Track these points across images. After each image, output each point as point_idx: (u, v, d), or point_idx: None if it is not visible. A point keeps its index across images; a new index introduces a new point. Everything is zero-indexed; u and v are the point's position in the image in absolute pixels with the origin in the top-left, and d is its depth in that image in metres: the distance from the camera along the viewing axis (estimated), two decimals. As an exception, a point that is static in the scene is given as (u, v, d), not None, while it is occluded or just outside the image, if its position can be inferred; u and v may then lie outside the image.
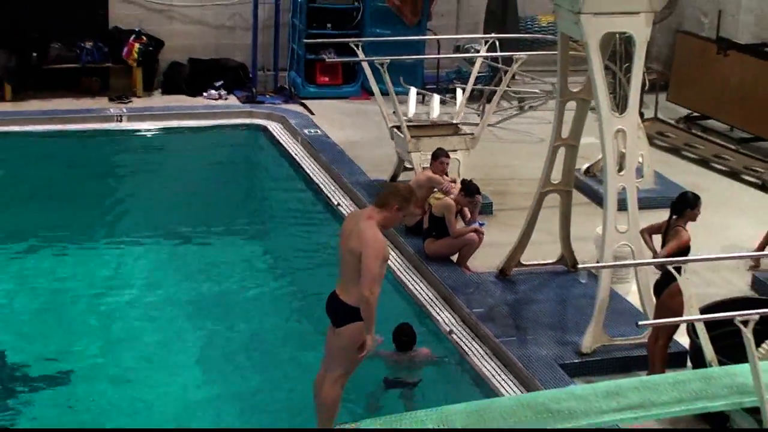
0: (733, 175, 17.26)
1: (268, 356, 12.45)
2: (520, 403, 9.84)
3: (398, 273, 13.70)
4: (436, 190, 14.12)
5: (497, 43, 17.10)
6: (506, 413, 9.46)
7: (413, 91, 17.29)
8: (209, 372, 12.08)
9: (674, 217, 11.42)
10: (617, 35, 13.19)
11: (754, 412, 9.53)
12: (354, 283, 8.69)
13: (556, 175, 13.43)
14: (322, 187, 16.53)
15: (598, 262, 12.27)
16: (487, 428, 9.45)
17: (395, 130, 15.90)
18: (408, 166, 15.67)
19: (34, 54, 19.10)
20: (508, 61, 16.76)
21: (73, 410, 11.33)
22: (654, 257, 11.46)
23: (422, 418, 9.27)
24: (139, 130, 18.66)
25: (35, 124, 18.36)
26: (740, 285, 13.53)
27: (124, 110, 18.92)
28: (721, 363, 9.88)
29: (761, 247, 13.07)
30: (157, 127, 18.78)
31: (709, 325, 9.81)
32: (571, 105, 13.21)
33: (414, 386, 11.71)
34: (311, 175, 16.95)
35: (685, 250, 11.23)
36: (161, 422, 11.07)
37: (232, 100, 19.71)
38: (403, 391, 11.65)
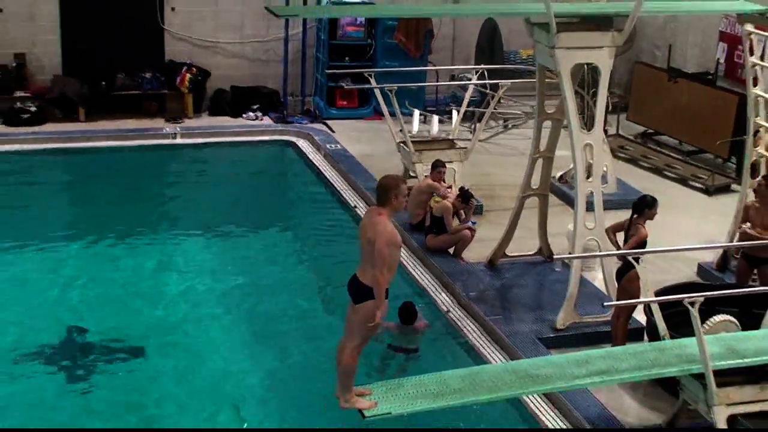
0: (682, 181, 17.23)
1: (296, 330, 12.44)
2: (506, 369, 9.86)
3: (404, 262, 13.69)
4: (435, 194, 14.20)
5: (486, 73, 17.10)
6: (494, 377, 9.48)
7: (416, 112, 17.32)
8: (248, 343, 12.12)
9: (635, 216, 11.40)
10: (585, 66, 13.17)
11: (700, 377, 9.52)
12: (371, 267, 8.72)
13: (535, 182, 13.45)
14: (341, 191, 16.52)
15: (570, 254, 12.27)
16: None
17: (402, 144, 15.91)
18: (412, 174, 15.66)
19: (103, 83, 19.12)
20: (495, 87, 16.76)
21: (132, 375, 11.40)
22: (618, 250, 11.45)
23: (425, 381, 9.29)
24: (189, 146, 18.64)
25: (104, 141, 18.36)
26: (688, 272, 13.52)
27: (178, 129, 18.91)
28: (672, 337, 9.86)
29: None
30: (205, 143, 18.77)
31: (662, 305, 9.80)
32: (547, 124, 13.21)
33: (414, 352, 11.85)
34: (332, 182, 16.94)
35: (643, 243, 11.23)
36: (203, 387, 11.12)
37: (267, 120, 19.70)
38: (406, 356, 11.76)
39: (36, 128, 18.50)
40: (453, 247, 13.73)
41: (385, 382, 9.29)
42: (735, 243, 13.03)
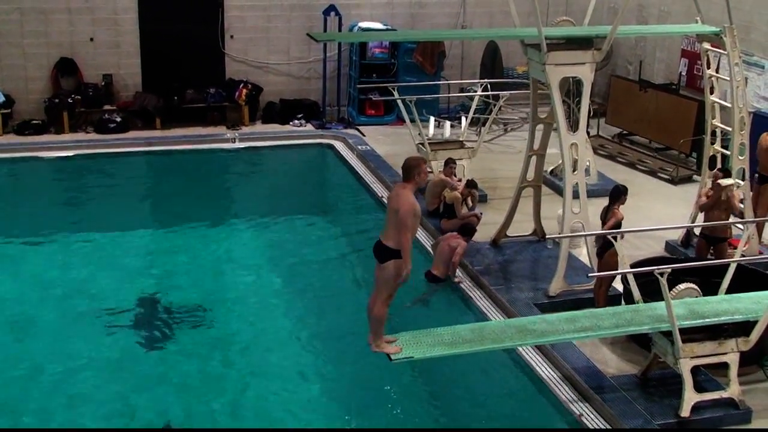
0: (652, 173, 17.09)
1: (333, 297, 12.50)
2: (508, 324, 9.86)
3: (423, 242, 13.66)
4: (447, 186, 14.18)
5: (489, 86, 17.02)
6: (498, 330, 9.50)
7: (432, 119, 17.25)
8: (295, 310, 12.14)
9: (611, 202, 11.36)
10: (571, 79, 13.08)
11: (668, 335, 9.47)
12: (393, 231, 8.68)
13: (530, 175, 13.37)
14: (370, 185, 16.47)
15: (559, 234, 12.20)
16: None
17: (420, 145, 15.86)
18: (428, 170, 15.59)
19: (176, 97, 19.13)
20: (496, 97, 16.66)
21: (201, 333, 11.49)
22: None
23: (440, 332, 9.28)
24: (246, 148, 18.61)
25: (177, 145, 18.37)
26: (658, 249, 13.43)
27: (237, 135, 18.89)
28: (645, 302, 9.81)
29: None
30: (258, 146, 18.73)
31: (637, 276, 9.74)
32: (540, 127, 13.14)
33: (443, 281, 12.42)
34: (363, 177, 16.89)
35: (619, 224, 11.17)
36: (256, 347, 11.19)
37: (309, 127, 19.65)
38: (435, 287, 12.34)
39: (121, 135, 18.52)
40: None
41: (408, 333, 9.26)
42: (696, 224, 12.98)
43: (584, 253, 12.60)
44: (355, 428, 9.68)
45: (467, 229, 12.92)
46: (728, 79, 12.74)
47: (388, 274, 8.77)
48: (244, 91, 19.37)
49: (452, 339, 9.14)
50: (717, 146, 13.27)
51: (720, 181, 11.95)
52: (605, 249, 11.00)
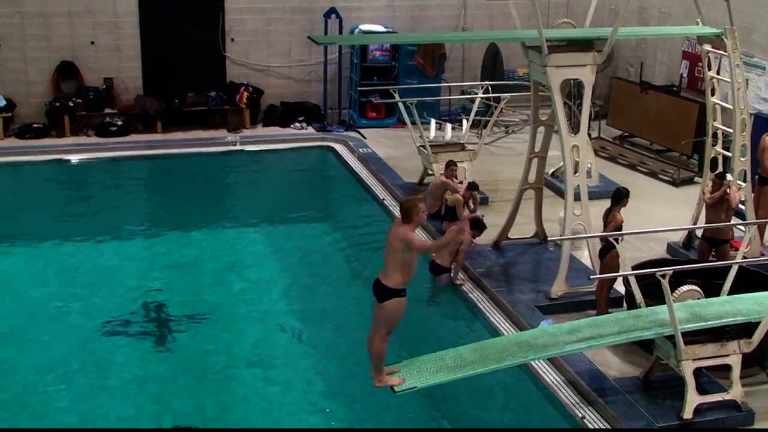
0: (653, 175, 17.07)
1: (335, 299, 12.51)
2: (510, 341, 9.81)
3: (425, 245, 13.66)
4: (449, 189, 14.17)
5: (490, 88, 17.01)
6: (500, 349, 9.41)
7: (433, 121, 17.23)
8: (296, 313, 12.14)
9: (612, 204, 11.35)
10: (572, 81, 13.07)
11: (670, 337, 9.45)
12: (393, 270, 8.60)
13: (532, 177, 13.36)
14: (371, 187, 16.45)
15: (561, 236, 12.18)
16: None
17: (421, 148, 15.86)
18: (430, 172, 15.61)
19: (177, 101, 19.11)
20: (497, 99, 16.68)
21: (202, 336, 11.49)
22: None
23: (443, 356, 9.24)
24: (247, 151, 18.62)
25: (178, 149, 18.36)
26: (659, 250, 13.40)
27: (238, 138, 18.88)
28: (647, 304, 9.79)
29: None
30: (260, 149, 18.73)
31: (638, 278, 9.73)
32: (541, 129, 13.13)
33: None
34: (364, 179, 16.87)
35: (620, 227, 11.16)
36: (258, 349, 11.19)
37: (310, 129, 19.63)
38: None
39: (122, 139, 18.51)
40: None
41: (410, 360, 9.23)
42: (698, 226, 12.96)
43: (586, 255, 12.58)
44: (355, 428, 9.68)
45: (477, 223, 12.84)
46: (729, 80, 12.73)
47: (388, 314, 8.75)
48: (245, 94, 19.36)
49: (455, 362, 9.11)
50: (718, 148, 13.25)
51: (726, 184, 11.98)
52: (607, 251, 10.99)
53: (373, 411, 9.85)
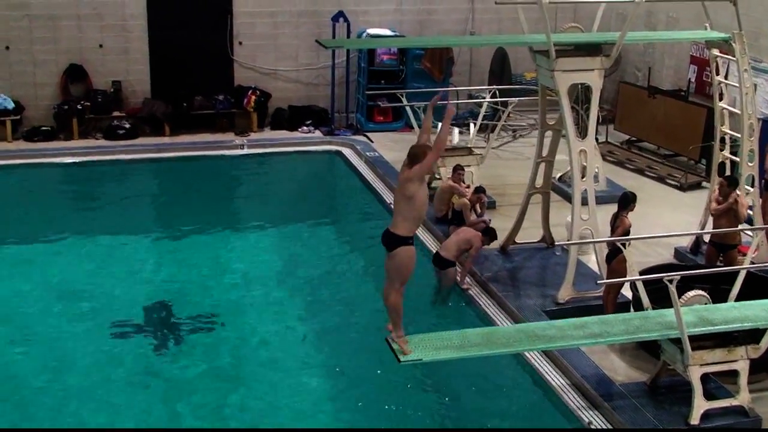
0: (660, 180, 17.06)
1: (341, 301, 12.53)
2: (517, 329, 9.83)
3: (432, 248, 13.62)
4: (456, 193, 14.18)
5: (497, 92, 17.02)
6: (508, 335, 9.44)
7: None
8: (302, 315, 12.15)
9: (620, 209, 11.33)
10: (579, 85, 13.06)
11: (677, 342, 9.43)
12: (403, 219, 8.52)
13: (539, 182, 13.36)
14: (378, 191, 16.47)
15: (568, 241, 12.16)
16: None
17: (428, 152, 15.83)
18: (437, 177, 15.61)
19: (184, 104, 19.17)
20: (505, 104, 16.68)
21: (209, 339, 11.50)
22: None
23: (450, 336, 9.22)
24: (255, 155, 18.65)
25: (185, 152, 18.42)
26: (666, 255, 13.38)
27: (245, 141, 18.93)
28: (654, 309, 9.76)
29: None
30: (267, 152, 18.77)
31: (646, 283, 9.71)
32: (548, 134, 13.12)
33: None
34: (371, 183, 16.90)
35: (627, 231, 11.14)
36: (264, 352, 11.20)
37: (318, 133, 19.67)
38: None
39: (130, 141, 18.59)
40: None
41: (417, 335, 9.19)
42: (705, 231, 12.93)
43: (593, 260, 12.56)
44: (355, 428, 9.69)
45: (489, 231, 12.81)
46: (737, 85, 12.71)
47: (399, 263, 8.64)
48: (253, 97, 19.39)
49: (461, 342, 9.09)
50: (726, 153, 13.24)
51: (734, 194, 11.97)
52: (614, 256, 10.97)
53: (377, 412, 9.86)
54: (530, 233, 13.67)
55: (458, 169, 14.52)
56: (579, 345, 9.59)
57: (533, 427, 9.91)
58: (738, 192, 12.12)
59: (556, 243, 13.14)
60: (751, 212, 12.59)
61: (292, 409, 10.02)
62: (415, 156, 8.60)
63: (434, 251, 12.95)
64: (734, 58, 12.59)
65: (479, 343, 9.11)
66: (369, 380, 9.90)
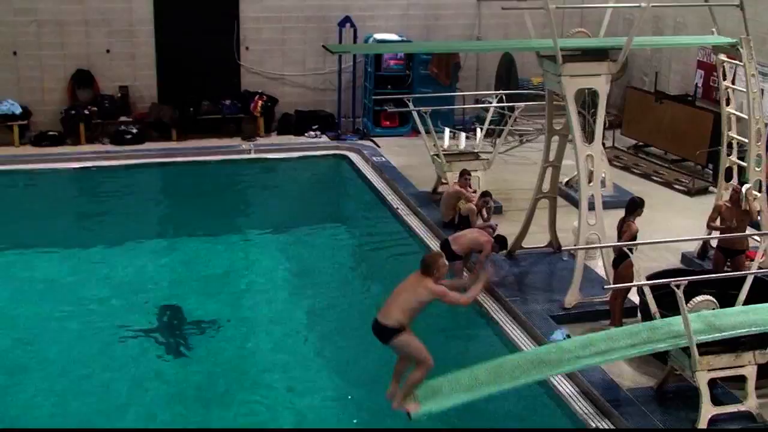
0: (667, 185, 17.04)
1: (347, 307, 12.52)
2: (524, 358, 9.71)
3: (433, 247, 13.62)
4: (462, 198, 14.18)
5: (504, 97, 17.01)
6: (515, 366, 9.32)
7: (447, 130, 17.21)
8: (308, 320, 12.15)
9: (627, 214, 11.32)
10: (586, 90, 13.05)
11: (685, 349, 9.41)
12: (398, 309, 8.46)
13: (546, 187, 13.34)
14: (385, 196, 16.47)
15: (575, 246, 12.15)
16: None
17: (435, 157, 15.86)
18: (444, 181, 15.60)
19: (191, 109, 19.21)
20: (511, 109, 16.67)
21: (216, 343, 11.51)
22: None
23: (458, 377, 9.13)
24: (261, 159, 18.67)
25: (192, 156, 18.45)
26: (673, 260, 13.35)
27: (252, 146, 18.96)
28: (661, 314, 9.74)
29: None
30: (274, 157, 18.79)
31: (653, 287, 9.69)
32: (555, 138, 13.12)
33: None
34: (378, 188, 16.90)
35: (634, 236, 11.13)
36: (271, 356, 11.21)
37: (324, 138, 19.69)
38: None
39: (137, 146, 18.62)
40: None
41: (425, 383, 9.06)
42: (712, 236, 12.90)
43: (600, 265, 12.54)
44: (355, 428, 9.68)
45: (501, 240, 12.78)
46: (744, 90, 12.70)
47: (406, 351, 8.65)
48: (260, 102, 19.41)
49: (469, 382, 9.00)
50: (733, 158, 13.22)
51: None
52: (621, 261, 10.96)
53: (382, 413, 9.84)
54: (537, 238, 13.66)
55: (465, 174, 14.54)
56: (586, 365, 9.50)
57: (535, 428, 9.88)
58: (748, 185, 12.11)
59: (563, 248, 13.12)
60: (759, 218, 12.57)
61: (297, 411, 10.04)
62: (427, 266, 8.62)
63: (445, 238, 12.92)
64: (741, 63, 12.58)
65: (487, 380, 9.01)
66: (374, 382, 9.88)
